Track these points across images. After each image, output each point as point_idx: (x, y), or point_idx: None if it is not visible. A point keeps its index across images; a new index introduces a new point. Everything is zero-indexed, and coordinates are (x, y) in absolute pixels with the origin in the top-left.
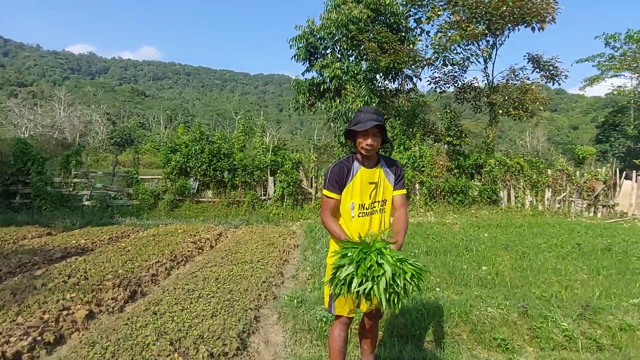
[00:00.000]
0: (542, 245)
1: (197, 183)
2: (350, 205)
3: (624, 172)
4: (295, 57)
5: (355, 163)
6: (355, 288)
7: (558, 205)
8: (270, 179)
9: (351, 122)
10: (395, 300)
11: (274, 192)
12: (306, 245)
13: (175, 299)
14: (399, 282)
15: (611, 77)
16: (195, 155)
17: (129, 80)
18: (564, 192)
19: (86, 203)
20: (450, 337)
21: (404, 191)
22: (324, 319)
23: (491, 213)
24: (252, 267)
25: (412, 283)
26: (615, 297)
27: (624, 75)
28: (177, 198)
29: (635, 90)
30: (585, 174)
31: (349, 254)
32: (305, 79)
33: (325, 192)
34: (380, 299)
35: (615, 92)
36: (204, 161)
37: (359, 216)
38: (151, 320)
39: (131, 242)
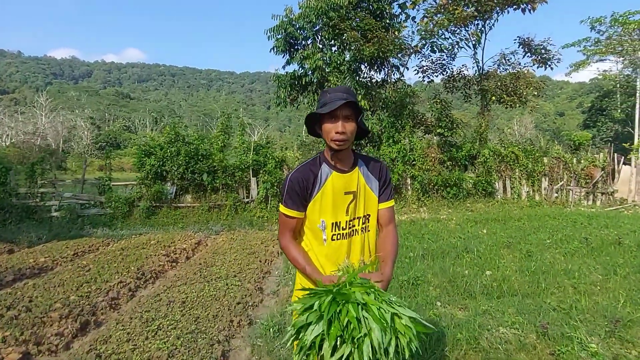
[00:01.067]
0: (546, 242)
1: (175, 187)
2: (320, 225)
3: (621, 158)
4: (274, 50)
5: (325, 166)
6: (327, 357)
7: (556, 195)
8: (253, 179)
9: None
10: None
11: (258, 194)
12: None
13: (128, 333)
14: (389, 343)
15: (596, 62)
16: (171, 157)
17: (113, 83)
18: (561, 181)
19: (55, 214)
20: None
21: (392, 202)
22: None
23: (487, 206)
24: (227, 285)
25: (409, 346)
26: None
27: (609, 60)
28: (154, 205)
29: (620, 74)
30: (582, 161)
31: (316, 305)
32: (286, 72)
33: (282, 208)
34: None
35: (600, 77)
36: (181, 164)
37: (332, 239)
38: None
39: (95, 259)
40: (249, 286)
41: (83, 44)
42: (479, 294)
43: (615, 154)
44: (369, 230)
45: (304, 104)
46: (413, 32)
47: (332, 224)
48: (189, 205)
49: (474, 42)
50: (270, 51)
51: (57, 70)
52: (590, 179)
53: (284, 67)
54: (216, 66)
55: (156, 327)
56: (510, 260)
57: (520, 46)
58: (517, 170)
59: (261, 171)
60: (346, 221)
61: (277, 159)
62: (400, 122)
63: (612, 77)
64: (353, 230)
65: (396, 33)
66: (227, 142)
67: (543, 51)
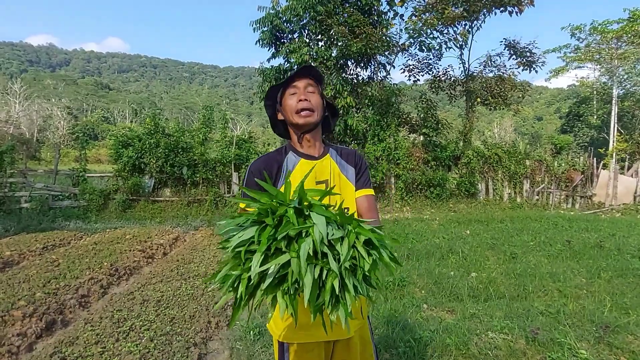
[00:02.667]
0: (530, 244)
1: (153, 181)
2: None
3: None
4: (259, 42)
5: (291, 155)
6: (255, 267)
7: (537, 197)
8: (235, 174)
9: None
10: (344, 296)
11: (239, 189)
12: None
13: (97, 334)
14: (342, 248)
15: (575, 69)
16: (150, 149)
17: (92, 72)
18: (542, 183)
19: (24, 205)
20: None
21: (372, 191)
22: None
23: (469, 207)
24: (206, 282)
25: (372, 255)
26: (629, 310)
27: (587, 67)
28: (131, 198)
29: (597, 82)
30: (563, 164)
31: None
32: (272, 66)
33: (240, 201)
34: (303, 288)
35: (577, 84)
36: (160, 156)
37: None
38: None
39: (65, 253)
40: None
41: (62, 30)
42: (466, 296)
43: (595, 159)
44: None
45: None
46: (401, 30)
47: None
48: (167, 199)
49: (461, 43)
50: (255, 43)
51: (33, 57)
52: (570, 183)
53: (269, 61)
54: (199, 59)
55: (128, 327)
56: (495, 262)
57: (506, 48)
58: (499, 171)
59: (243, 166)
60: None
61: (259, 154)
62: (385, 120)
63: (589, 84)
64: None
65: (384, 30)
66: (208, 135)
67: (528, 54)
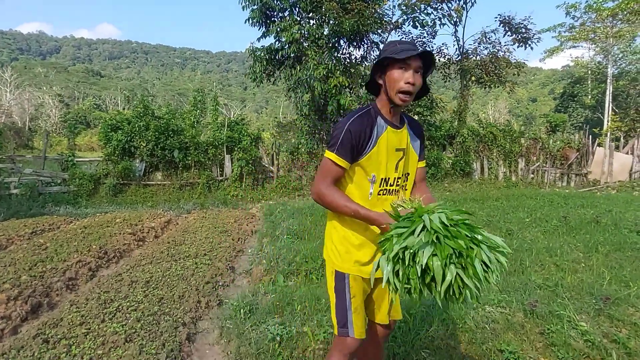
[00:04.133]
0: (525, 220)
1: (144, 164)
2: (370, 178)
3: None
4: (249, 21)
5: (380, 120)
6: (439, 278)
7: (532, 176)
8: (227, 157)
9: (380, 57)
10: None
11: (232, 172)
12: (264, 231)
13: (82, 316)
14: (491, 262)
15: (570, 48)
16: (140, 132)
17: (83, 60)
18: (537, 162)
19: (14, 191)
20: (444, 351)
21: (425, 162)
22: (278, 338)
23: (465, 186)
24: (196, 264)
25: (499, 264)
26: (629, 282)
27: (582, 46)
28: (121, 182)
29: (592, 61)
30: (558, 142)
31: (419, 227)
32: (262, 46)
33: (332, 155)
34: (456, 294)
35: (572, 64)
36: (150, 139)
37: (379, 194)
38: (38, 351)
39: (53, 237)
40: (219, 265)
41: (53, 18)
42: None
43: (590, 136)
44: (406, 189)
45: (280, 79)
46: (394, 7)
47: (382, 179)
48: (159, 183)
49: (455, 19)
50: (245, 22)
51: (23, 45)
52: (565, 160)
53: (259, 40)
54: (191, 45)
55: (115, 308)
56: None
57: (501, 24)
58: (494, 150)
59: (236, 148)
60: (394, 178)
61: (252, 136)
62: None
63: (583, 64)
64: (398, 188)
65: (376, 7)
66: (199, 118)
67: (523, 30)
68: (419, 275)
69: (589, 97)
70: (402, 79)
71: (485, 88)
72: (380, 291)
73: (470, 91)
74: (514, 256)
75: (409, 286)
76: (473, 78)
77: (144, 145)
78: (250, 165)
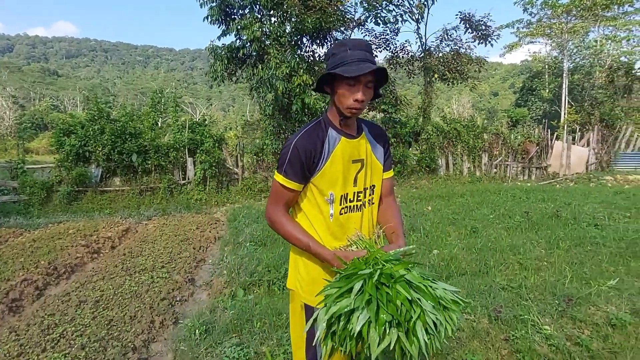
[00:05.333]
0: (489, 217)
1: (100, 170)
2: (328, 198)
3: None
4: (207, 19)
5: (332, 131)
6: (374, 346)
7: (495, 170)
8: (189, 159)
9: (329, 62)
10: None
11: (194, 175)
12: (227, 238)
13: (21, 345)
14: (441, 323)
15: (528, 44)
16: (95, 136)
17: (39, 59)
18: (500, 156)
19: None
20: None
21: (393, 172)
22: None
23: (431, 182)
24: (152, 277)
25: (450, 321)
26: (589, 280)
27: (539, 42)
28: (76, 189)
29: (549, 56)
30: (519, 137)
31: (357, 287)
32: (223, 44)
33: (279, 177)
34: (410, 354)
35: (530, 59)
36: (106, 143)
37: (340, 213)
38: None
39: None
40: (177, 278)
41: (6, 16)
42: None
43: (549, 130)
44: (373, 203)
45: (242, 78)
46: (356, 4)
47: (341, 196)
48: (117, 188)
49: (417, 16)
50: (203, 20)
51: None
52: (526, 155)
53: (219, 38)
54: (153, 42)
55: (58, 334)
56: (456, 237)
57: (462, 22)
58: (459, 146)
59: (198, 150)
60: (354, 192)
61: (215, 138)
62: None
63: (541, 59)
64: (361, 203)
65: (339, 4)
66: (164, 120)
67: (483, 27)
68: (356, 340)
69: (547, 90)
70: (350, 96)
71: (448, 84)
72: None
73: (434, 87)
74: (479, 257)
75: (343, 349)
76: (436, 75)
77: (100, 149)
78: (213, 167)
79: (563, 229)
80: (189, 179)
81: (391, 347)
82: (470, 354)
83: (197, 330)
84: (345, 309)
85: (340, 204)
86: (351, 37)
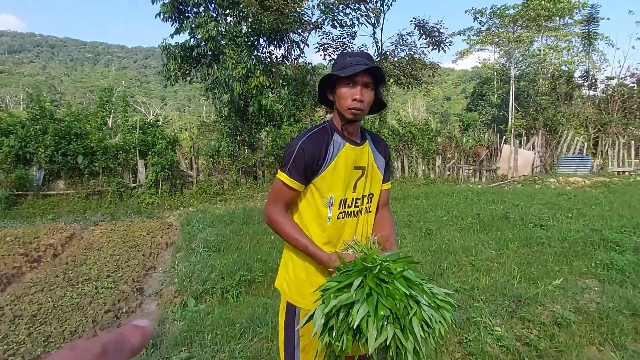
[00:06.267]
0: (443, 219)
1: (43, 172)
2: (327, 200)
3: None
4: (160, 15)
5: (337, 136)
6: (372, 341)
7: (448, 172)
8: (140, 162)
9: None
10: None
11: (146, 178)
12: (180, 243)
13: None
14: (434, 320)
15: (478, 51)
16: (36, 137)
17: None
18: (452, 159)
19: None
20: None
21: (390, 184)
22: None
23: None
24: (97, 287)
25: (444, 321)
26: (536, 280)
27: (488, 49)
28: (16, 193)
29: (497, 63)
30: (470, 140)
31: (356, 283)
32: (177, 42)
33: (283, 176)
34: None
35: (480, 65)
36: (49, 144)
37: (338, 218)
38: None
39: None
40: (124, 288)
41: None
42: None
43: (498, 134)
44: (370, 211)
45: (197, 78)
46: (314, 7)
47: (340, 201)
48: (61, 192)
49: (373, 21)
50: (155, 17)
51: None
52: (477, 157)
53: (172, 36)
54: (104, 38)
55: None
56: (412, 239)
57: (416, 28)
58: (414, 149)
59: (150, 152)
60: (353, 199)
61: (168, 139)
62: (301, 100)
63: (490, 66)
64: (359, 210)
65: (296, 6)
66: (108, 119)
67: (437, 33)
68: (353, 334)
69: (495, 96)
70: (349, 95)
71: (403, 88)
72: None
73: (390, 91)
74: (433, 259)
75: (339, 344)
76: (391, 80)
77: (42, 151)
78: (166, 170)
79: (512, 230)
80: (140, 182)
81: (388, 342)
82: (424, 358)
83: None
84: (346, 302)
85: (339, 208)
86: (305, 40)
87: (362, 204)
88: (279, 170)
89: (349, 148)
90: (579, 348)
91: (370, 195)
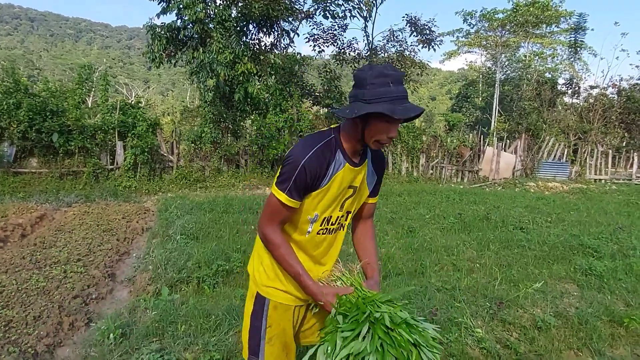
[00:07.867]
0: (425, 217)
1: (14, 149)
2: (312, 217)
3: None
4: None
5: (339, 155)
6: None
7: (431, 171)
8: (119, 143)
9: (359, 88)
10: None
11: (124, 160)
12: (156, 229)
13: None
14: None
15: (465, 53)
16: (9, 111)
17: None
18: (436, 158)
19: None
20: None
21: (377, 198)
22: None
23: None
24: (66, 271)
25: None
26: (518, 283)
27: (475, 52)
28: None
29: (483, 66)
30: (455, 140)
31: (364, 331)
32: (163, 23)
33: (282, 196)
34: None
35: (466, 67)
36: (23, 120)
37: (318, 233)
38: None
39: None
40: (95, 273)
41: None
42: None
43: (482, 135)
44: (343, 227)
45: (182, 61)
46: None
47: (324, 218)
48: (33, 170)
49: (365, 14)
50: None
51: None
52: (460, 158)
53: (158, 16)
54: (87, 15)
55: None
56: (394, 236)
57: (408, 24)
58: (399, 146)
59: (129, 134)
60: (337, 217)
61: (149, 122)
62: (288, 90)
63: (476, 68)
64: (339, 226)
65: None
66: (87, 97)
67: (428, 32)
68: None
69: (480, 99)
70: (386, 132)
71: None
72: (317, 315)
73: None
74: (415, 257)
75: None
76: None
77: (15, 126)
78: (146, 153)
79: (493, 232)
80: (117, 164)
81: None
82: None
83: (111, 334)
84: (358, 352)
85: (321, 225)
86: (295, 29)
87: (344, 220)
88: (275, 186)
89: (348, 169)
90: (558, 352)
91: (348, 213)
